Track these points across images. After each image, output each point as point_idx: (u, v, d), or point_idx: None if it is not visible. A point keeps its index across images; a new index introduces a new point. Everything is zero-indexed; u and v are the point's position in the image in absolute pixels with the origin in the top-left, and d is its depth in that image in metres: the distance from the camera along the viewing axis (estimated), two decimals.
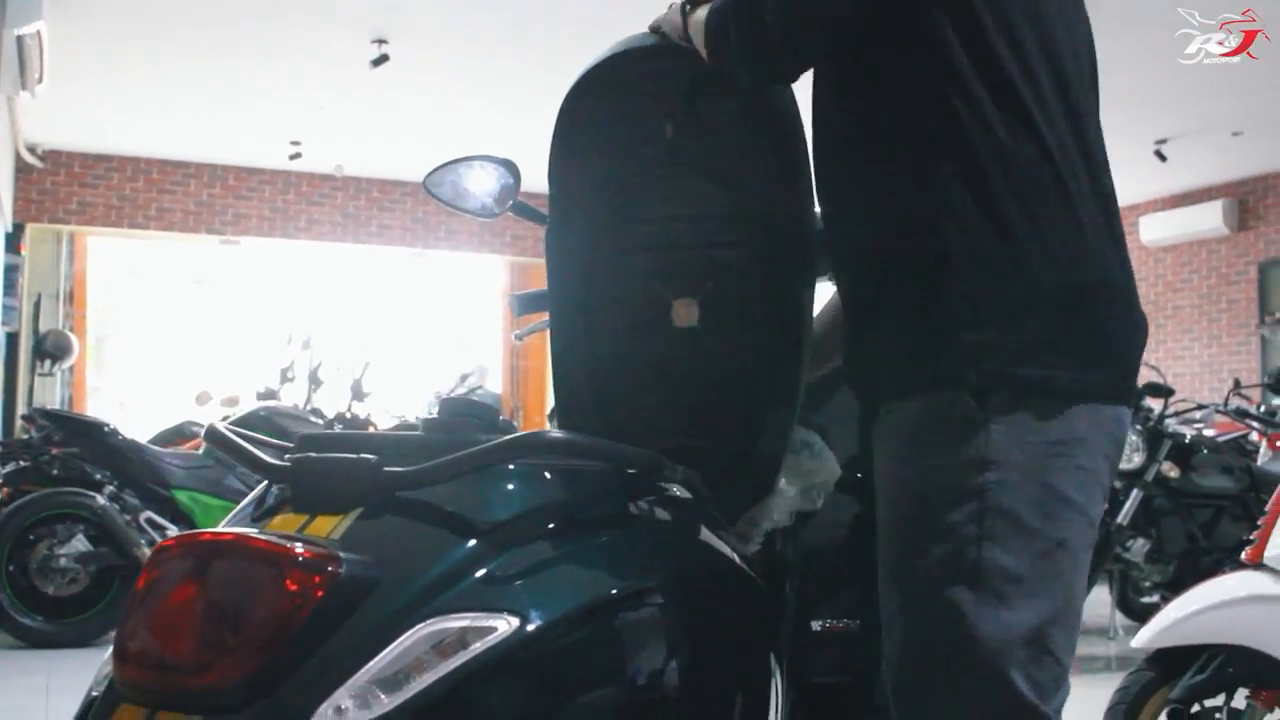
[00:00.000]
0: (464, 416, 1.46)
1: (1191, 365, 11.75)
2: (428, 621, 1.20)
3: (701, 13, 1.57)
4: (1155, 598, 5.96)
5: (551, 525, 1.34)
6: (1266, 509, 2.93)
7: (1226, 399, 7.22)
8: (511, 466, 1.36)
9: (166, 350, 13.43)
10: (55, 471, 6.20)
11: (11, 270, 9.93)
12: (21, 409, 9.86)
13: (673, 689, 1.33)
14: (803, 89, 1.64)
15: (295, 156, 11.18)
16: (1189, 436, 6.01)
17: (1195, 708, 2.89)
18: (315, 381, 8.26)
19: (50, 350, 10.25)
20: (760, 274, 1.79)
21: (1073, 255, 1.47)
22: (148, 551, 5.89)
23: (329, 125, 10.30)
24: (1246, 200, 11.65)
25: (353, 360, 8.57)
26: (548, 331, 2.22)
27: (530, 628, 1.22)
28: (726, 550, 1.52)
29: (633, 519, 1.46)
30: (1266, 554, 2.85)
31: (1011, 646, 1.41)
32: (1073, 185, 1.48)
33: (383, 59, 8.23)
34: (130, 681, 1.22)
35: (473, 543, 1.27)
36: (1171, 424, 5.92)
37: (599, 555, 1.36)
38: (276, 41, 8.18)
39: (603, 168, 1.64)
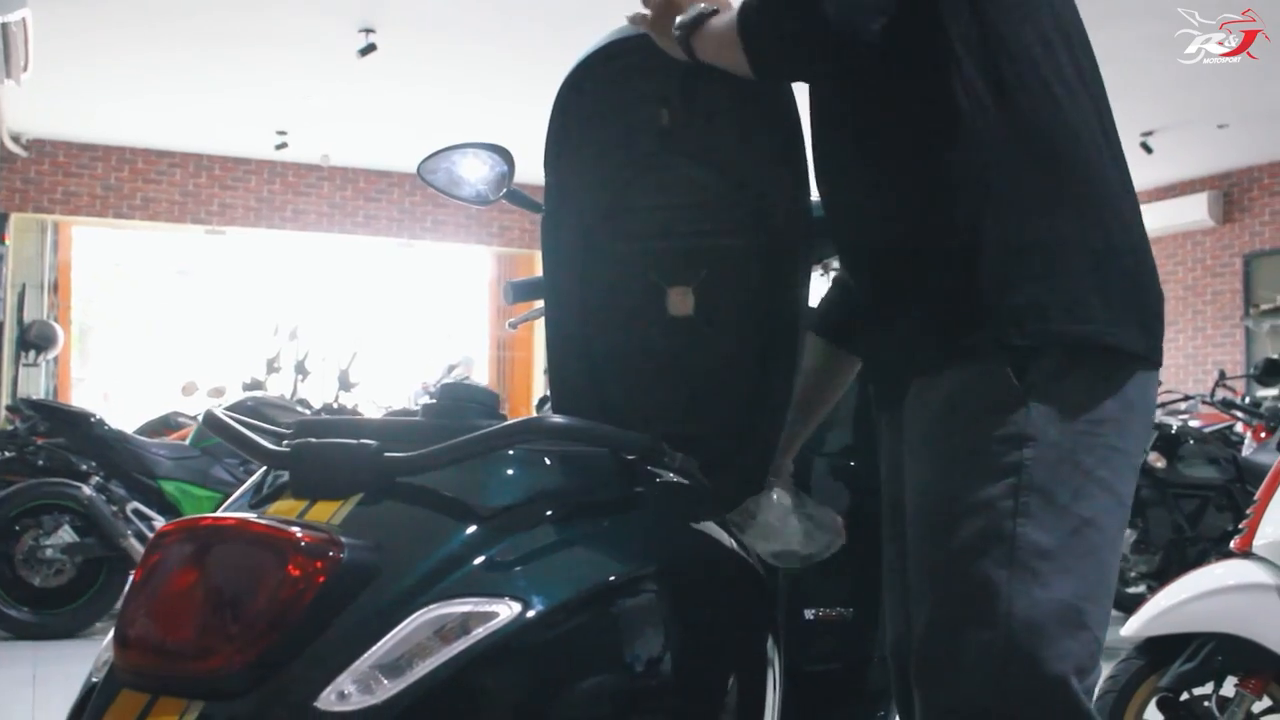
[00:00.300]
0: (464, 402, 1.46)
1: (1177, 357, 11.81)
2: (430, 607, 1.20)
3: (720, 22, 1.53)
4: (1142, 588, 5.98)
5: (553, 510, 1.34)
6: (1256, 497, 2.95)
7: (1212, 390, 7.26)
8: (511, 452, 1.36)
9: (151, 341, 13.41)
10: (41, 462, 6.18)
11: None
12: (6, 400, 9.81)
13: (674, 673, 1.33)
14: None
15: (281, 146, 11.15)
16: (1175, 427, 6.04)
17: (1184, 696, 2.91)
18: (302, 372, 8.25)
19: (35, 341, 10.18)
20: (756, 262, 1.79)
21: (1106, 222, 1.48)
22: (134, 542, 5.90)
23: (316, 115, 10.27)
24: (1231, 193, 11.71)
25: (340, 351, 8.56)
26: (537, 322, 2.23)
27: (532, 613, 1.22)
28: (725, 536, 1.52)
29: (633, 504, 1.46)
30: (1255, 542, 2.87)
31: (1045, 623, 1.39)
32: (1096, 157, 1.50)
33: (370, 48, 8.21)
34: (132, 667, 1.22)
35: (474, 528, 1.27)
36: (1157, 415, 5.94)
37: (600, 540, 1.36)
38: (263, 31, 8.15)
39: (598, 156, 1.64)
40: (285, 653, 1.17)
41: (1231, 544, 2.97)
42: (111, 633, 1.27)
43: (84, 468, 6.16)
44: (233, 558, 1.23)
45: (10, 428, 6.48)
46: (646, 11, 1.65)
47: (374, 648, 1.18)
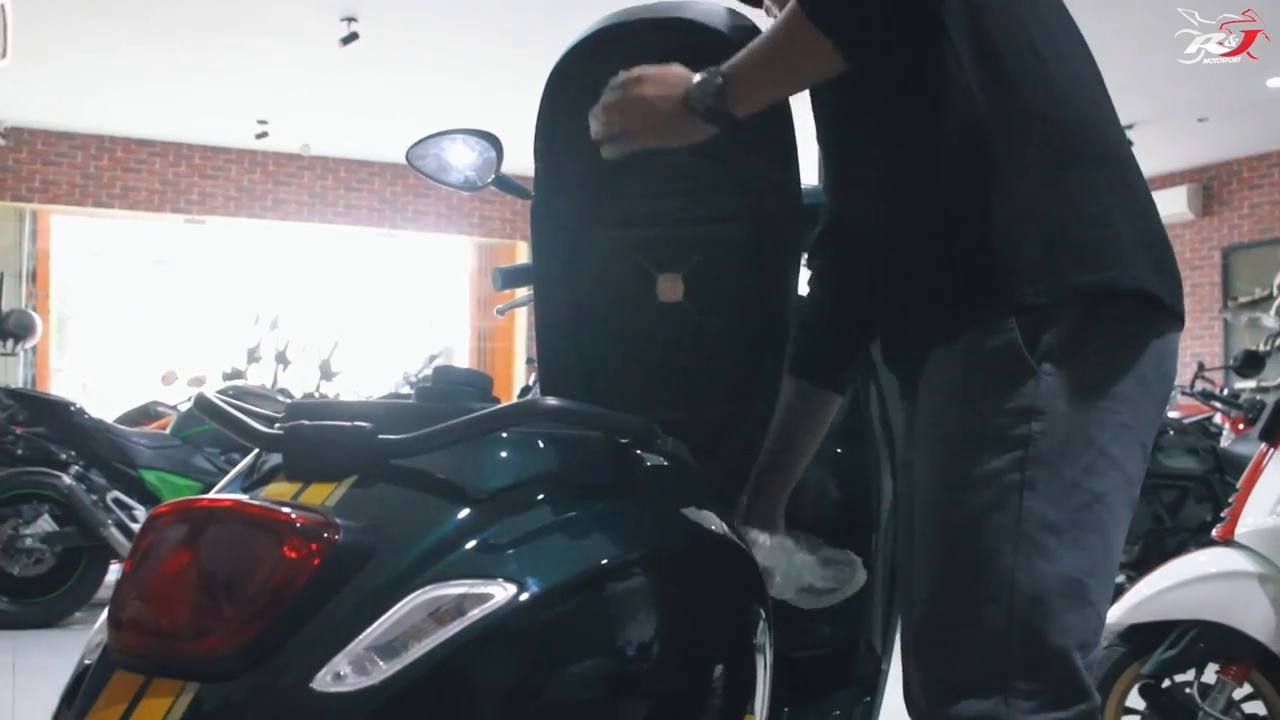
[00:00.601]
0: (457, 385, 1.46)
1: None
2: (425, 589, 1.20)
3: (755, 46, 1.48)
4: (1121, 578, 6.02)
5: (547, 493, 1.34)
6: (1238, 486, 2.97)
7: (1191, 382, 7.30)
8: (506, 435, 1.36)
9: (131, 330, 13.33)
10: (20, 451, 6.15)
11: None
12: None
13: (666, 656, 1.34)
14: None
15: (262, 135, 11.12)
16: None
17: (1166, 683, 2.94)
18: (283, 361, 8.23)
19: (13, 330, 10.08)
20: (746, 249, 1.80)
21: (1112, 182, 1.49)
22: (115, 531, 5.88)
23: (296, 104, 10.24)
24: (1210, 186, 11.78)
25: (321, 340, 8.54)
26: (518, 312, 2.23)
27: (527, 595, 1.22)
28: (718, 520, 1.53)
29: (627, 487, 1.47)
30: (1238, 531, 2.90)
31: (1049, 597, 1.39)
32: (1098, 118, 1.52)
33: (352, 37, 8.19)
34: (126, 648, 1.22)
35: (469, 510, 1.27)
36: None
37: (595, 523, 1.36)
38: (245, 19, 8.12)
39: (588, 142, 1.64)
40: (280, 634, 1.17)
41: (1214, 532, 3.00)
42: (104, 615, 1.26)
43: (64, 457, 6.13)
44: (228, 539, 1.22)
45: None
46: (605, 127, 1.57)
47: (369, 629, 1.17)
